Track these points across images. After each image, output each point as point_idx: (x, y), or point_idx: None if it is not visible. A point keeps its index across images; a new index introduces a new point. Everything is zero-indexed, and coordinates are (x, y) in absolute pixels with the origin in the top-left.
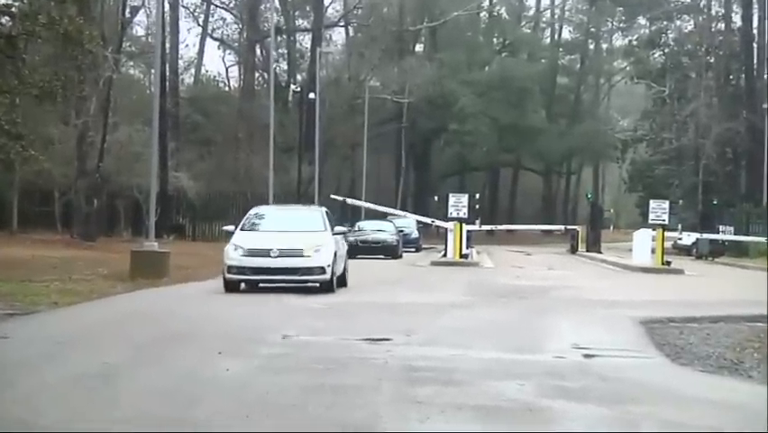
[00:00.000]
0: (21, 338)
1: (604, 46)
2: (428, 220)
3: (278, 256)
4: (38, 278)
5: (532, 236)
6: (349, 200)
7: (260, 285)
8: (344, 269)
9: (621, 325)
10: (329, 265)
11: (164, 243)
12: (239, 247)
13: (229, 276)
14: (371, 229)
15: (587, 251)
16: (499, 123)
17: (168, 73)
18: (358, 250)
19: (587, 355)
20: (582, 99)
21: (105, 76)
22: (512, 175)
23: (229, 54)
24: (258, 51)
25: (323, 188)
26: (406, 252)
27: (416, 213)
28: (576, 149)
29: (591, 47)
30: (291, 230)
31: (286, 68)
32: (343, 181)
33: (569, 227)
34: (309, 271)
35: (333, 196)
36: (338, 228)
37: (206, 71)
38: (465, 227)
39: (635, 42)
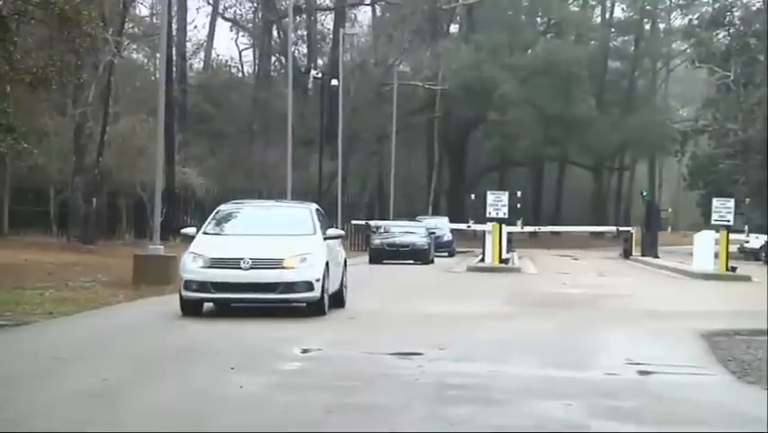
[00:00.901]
0: (12, 353)
1: (661, 26)
2: (463, 226)
3: (250, 268)
4: (31, 285)
5: (580, 239)
6: (372, 223)
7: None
8: (342, 284)
9: (681, 338)
10: (318, 280)
11: (170, 246)
12: (199, 256)
13: (186, 294)
14: (399, 231)
15: (642, 255)
16: (544, 112)
17: (174, 57)
18: (384, 254)
19: (642, 372)
20: (637, 86)
21: (105, 60)
22: (558, 171)
23: (242, 36)
24: (274, 33)
25: (347, 185)
26: (437, 256)
27: (450, 214)
28: (630, 141)
29: (647, 27)
30: (269, 233)
31: (305, 51)
32: (369, 178)
33: (621, 229)
34: (291, 287)
35: (354, 222)
36: (332, 231)
37: (217, 55)
38: (505, 229)
39: (696, 22)
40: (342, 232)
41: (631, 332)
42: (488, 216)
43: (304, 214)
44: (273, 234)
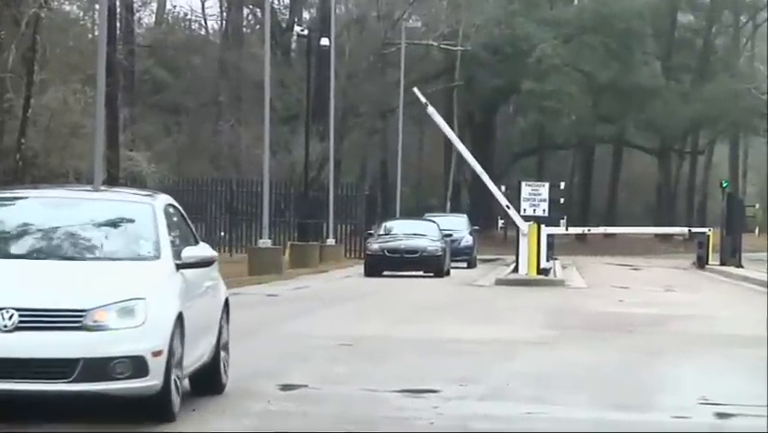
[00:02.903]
0: None
1: None
2: (503, 200)
3: (16, 329)
4: None
5: (641, 243)
6: (431, 110)
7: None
8: (217, 348)
9: None
10: (159, 352)
11: None
12: None
13: None
14: (405, 232)
15: (721, 264)
16: (594, 80)
17: (118, 9)
18: (385, 263)
19: (720, 414)
20: (714, 45)
21: (28, 14)
22: (612, 155)
23: None
24: None
25: (340, 173)
26: (454, 267)
27: (474, 211)
28: (705, 117)
29: None
30: (63, 256)
31: (287, 1)
32: (370, 165)
33: (694, 231)
34: (101, 368)
35: (418, 95)
36: (193, 251)
37: (174, 7)
38: (545, 230)
39: None
40: (214, 253)
41: (706, 363)
42: (522, 213)
43: (141, 215)
44: (71, 256)
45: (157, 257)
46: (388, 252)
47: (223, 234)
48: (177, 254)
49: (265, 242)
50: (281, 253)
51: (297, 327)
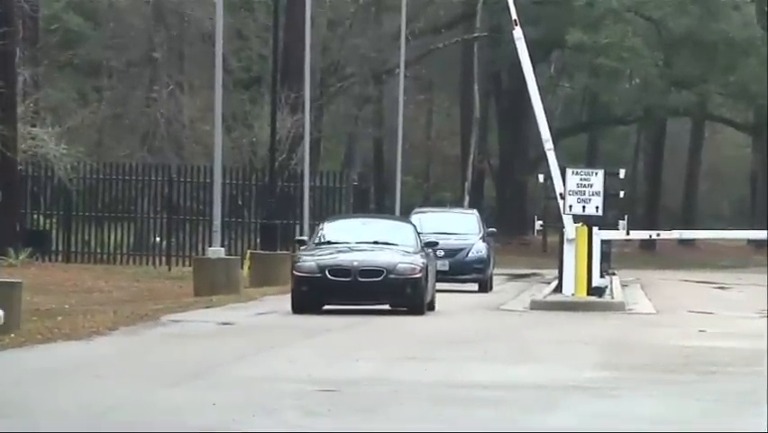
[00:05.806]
0: None
1: None
2: (557, 185)
3: None
4: None
5: (730, 253)
6: (518, 33)
7: None
8: None
9: None
10: None
11: (10, 265)
12: None
13: None
14: (360, 240)
15: None
16: (667, 30)
17: None
18: (325, 291)
19: None
20: None
21: None
22: (691, 133)
23: None
24: None
25: (319, 156)
26: (460, 291)
27: (500, 206)
28: None
29: None
30: None
31: None
32: (361, 143)
33: None
34: None
35: None
36: None
37: None
38: (598, 235)
39: None
40: None
41: None
42: (566, 211)
43: None
44: None
45: None
46: (330, 272)
47: (158, 239)
48: None
49: (216, 251)
50: (239, 266)
51: (261, 367)
